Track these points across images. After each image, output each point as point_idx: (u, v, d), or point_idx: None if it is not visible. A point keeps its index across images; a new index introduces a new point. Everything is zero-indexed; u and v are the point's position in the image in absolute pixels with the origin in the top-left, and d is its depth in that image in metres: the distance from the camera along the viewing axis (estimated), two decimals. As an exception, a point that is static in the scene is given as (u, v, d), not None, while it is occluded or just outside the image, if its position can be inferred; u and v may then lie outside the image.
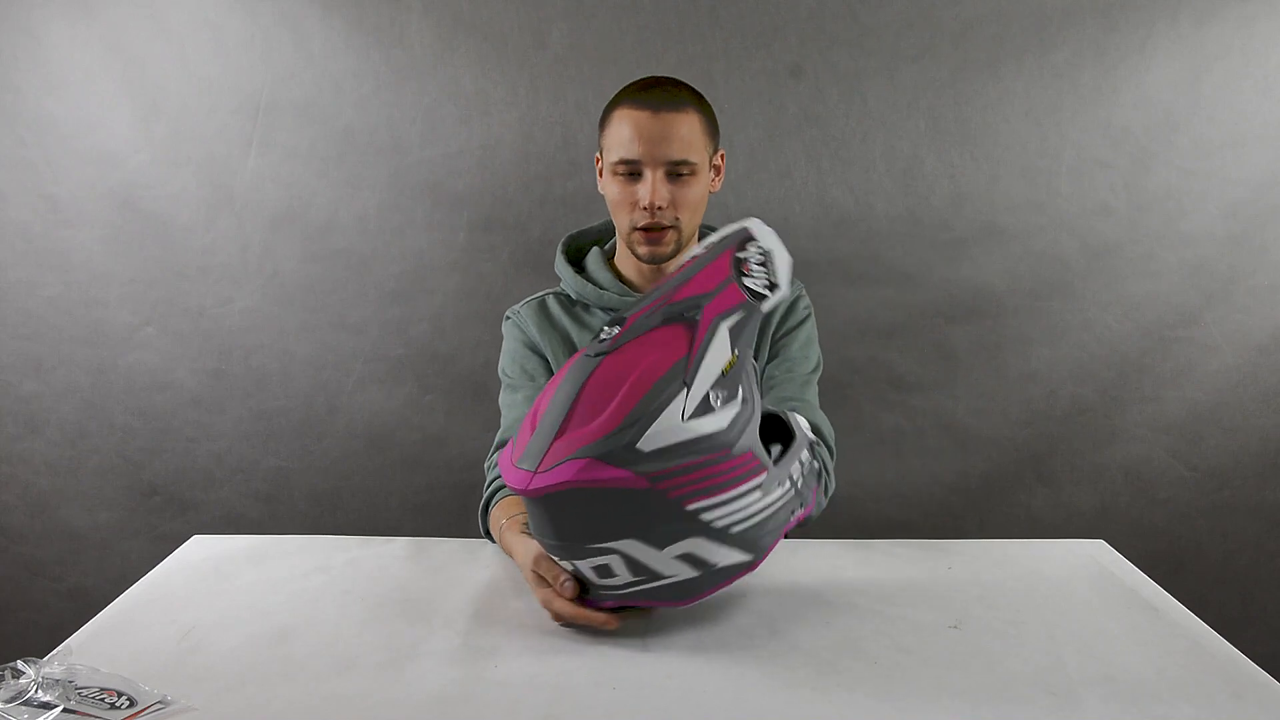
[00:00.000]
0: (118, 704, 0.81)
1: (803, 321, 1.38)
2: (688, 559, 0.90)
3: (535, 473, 0.88)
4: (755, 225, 0.95)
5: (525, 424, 0.93)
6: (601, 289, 1.35)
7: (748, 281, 0.92)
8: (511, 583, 1.10)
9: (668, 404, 0.86)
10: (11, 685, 0.81)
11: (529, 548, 1.01)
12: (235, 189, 1.86)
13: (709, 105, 1.30)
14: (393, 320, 1.92)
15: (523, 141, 1.85)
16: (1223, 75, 1.81)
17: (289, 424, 1.95)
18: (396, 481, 1.97)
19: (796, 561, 1.16)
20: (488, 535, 1.24)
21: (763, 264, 0.93)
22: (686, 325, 0.90)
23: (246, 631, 0.97)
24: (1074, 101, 1.83)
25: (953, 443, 1.94)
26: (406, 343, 1.92)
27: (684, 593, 0.93)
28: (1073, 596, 1.06)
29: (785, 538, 1.00)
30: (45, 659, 0.86)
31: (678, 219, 1.27)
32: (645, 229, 1.27)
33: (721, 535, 0.90)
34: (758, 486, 0.90)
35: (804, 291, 1.42)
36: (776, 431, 1.01)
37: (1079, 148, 1.85)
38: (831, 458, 1.29)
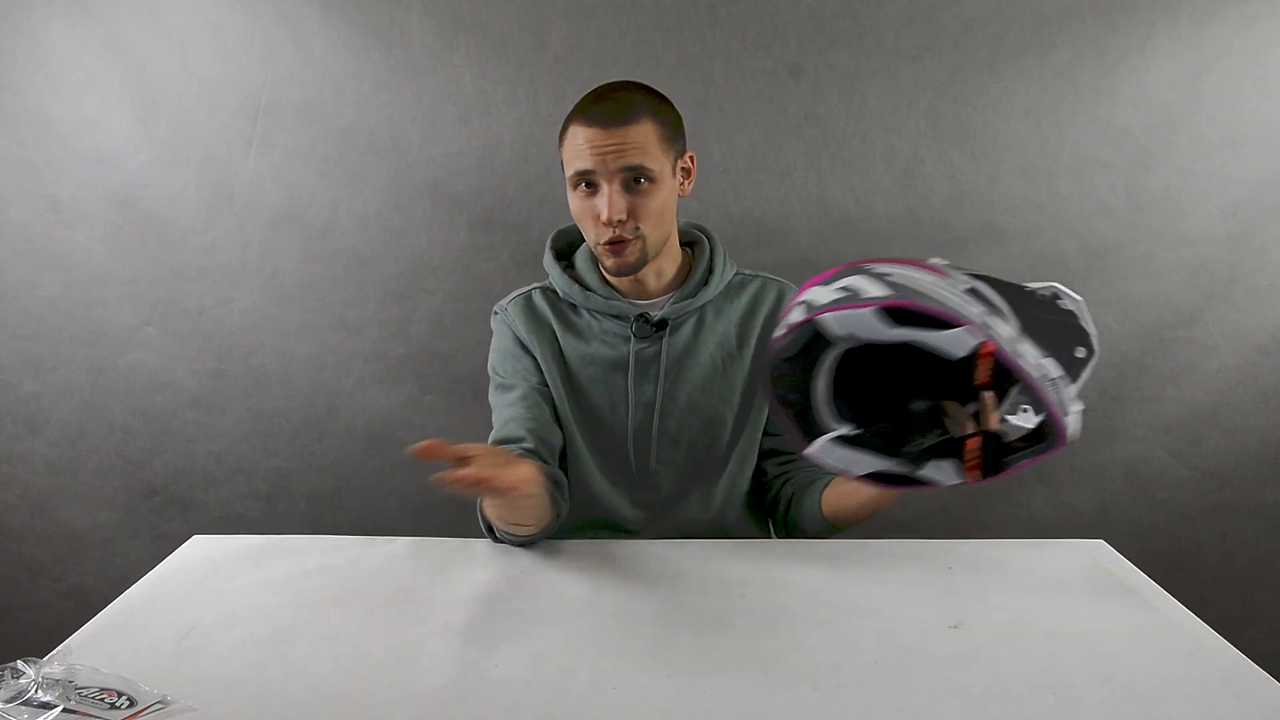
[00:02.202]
0: (118, 704, 0.81)
1: None
2: (845, 289, 0.98)
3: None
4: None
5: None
6: (588, 290, 1.34)
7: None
8: (511, 583, 1.10)
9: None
10: (11, 685, 0.81)
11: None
12: (235, 189, 1.86)
13: (670, 107, 1.27)
14: (393, 320, 1.92)
15: (523, 141, 1.85)
16: (1223, 75, 1.81)
17: (289, 424, 1.95)
18: (396, 481, 1.97)
19: (796, 561, 1.16)
20: (489, 532, 1.24)
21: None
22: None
23: (246, 631, 0.97)
24: (1074, 101, 1.83)
25: (953, 443, 1.94)
26: (406, 343, 1.92)
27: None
28: (1073, 596, 1.07)
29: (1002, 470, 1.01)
30: (45, 659, 0.86)
31: (639, 229, 1.24)
32: (609, 242, 1.25)
33: (879, 278, 0.99)
34: (933, 272, 0.98)
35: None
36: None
37: (1079, 148, 1.85)
38: None
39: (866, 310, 0.96)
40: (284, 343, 1.92)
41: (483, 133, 1.85)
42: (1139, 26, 1.79)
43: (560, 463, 1.33)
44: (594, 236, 1.27)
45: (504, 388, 1.35)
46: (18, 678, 0.82)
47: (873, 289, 0.99)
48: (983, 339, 0.93)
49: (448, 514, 1.95)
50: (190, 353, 1.92)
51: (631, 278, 1.33)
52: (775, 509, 1.39)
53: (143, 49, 1.81)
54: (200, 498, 1.97)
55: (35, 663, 0.84)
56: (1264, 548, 1.97)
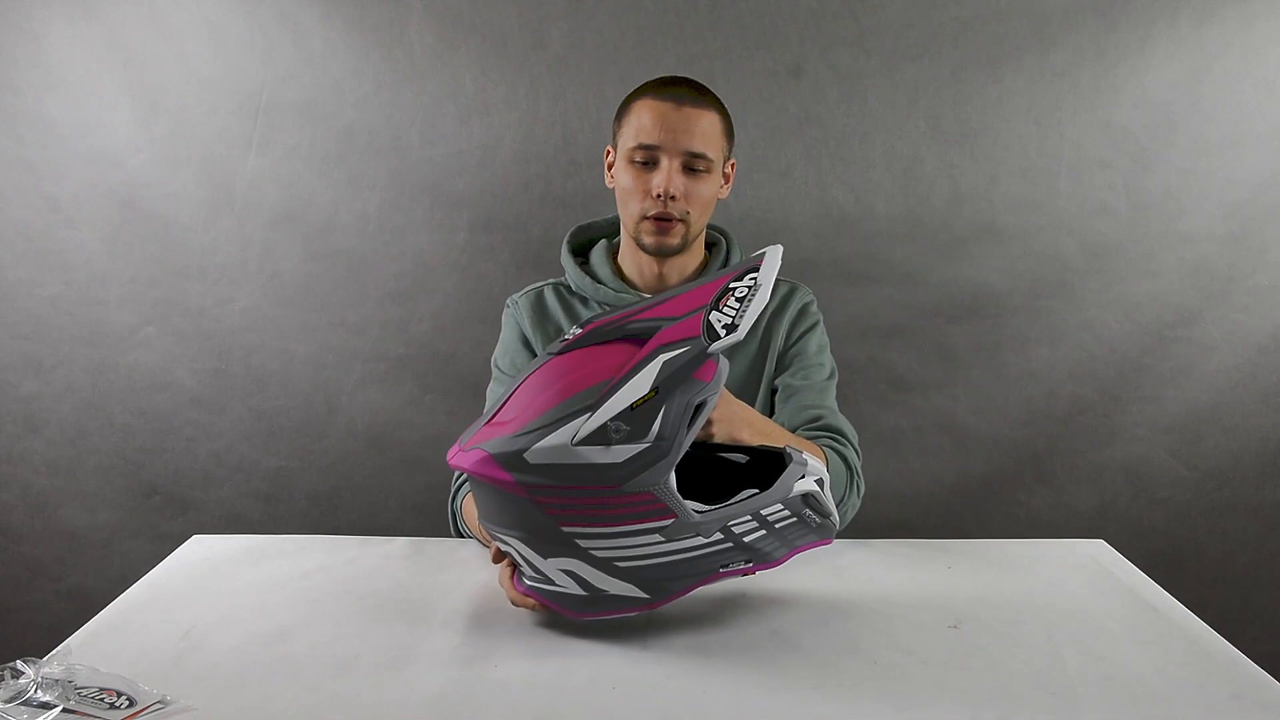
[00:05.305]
0: (117, 704, 0.81)
1: (813, 327, 1.39)
2: (572, 576, 0.90)
3: (459, 450, 0.90)
4: (769, 257, 0.90)
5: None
6: (599, 283, 1.35)
7: (714, 315, 0.87)
8: (511, 583, 1.10)
9: (568, 422, 0.85)
10: (11, 685, 0.81)
11: None
12: (235, 189, 1.86)
13: (728, 113, 1.32)
14: (393, 320, 1.92)
15: (523, 141, 1.85)
16: (1223, 75, 1.81)
17: (289, 424, 1.95)
18: (396, 481, 1.97)
19: (796, 561, 1.16)
20: (456, 530, 1.28)
21: (742, 300, 0.87)
22: (636, 345, 0.87)
23: (246, 631, 0.97)
24: (1074, 101, 1.83)
25: (953, 443, 1.94)
26: (406, 343, 1.92)
27: (580, 606, 0.93)
28: (1073, 596, 1.06)
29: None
30: (45, 659, 0.86)
31: (688, 213, 1.27)
32: (655, 217, 1.26)
33: (605, 565, 0.89)
34: (657, 530, 0.87)
35: (813, 298, 1.41)
36: (768, 466, 0.97)
37: (1079, 148, 1.85)
38: (858, 457, 1.29)
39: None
40: (284, 343, 1.92)
41: (483, 133, 1.85)
42: (1139, 26, 1.79)
43: None
44: (639, 211, 1.27)
45: (501, 383, 1.37)
46: (17, 678, 0.82)
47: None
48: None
49: (447, 514, 1.95)
50: (190, 353, 1.92)
51: (654, 274, 1.34)
52: None
53: (143, 49, 1.81)
54: (200, 498, 1.97)
55: (35, 663, 0.84)
56: (1264, 548, 1.97)
